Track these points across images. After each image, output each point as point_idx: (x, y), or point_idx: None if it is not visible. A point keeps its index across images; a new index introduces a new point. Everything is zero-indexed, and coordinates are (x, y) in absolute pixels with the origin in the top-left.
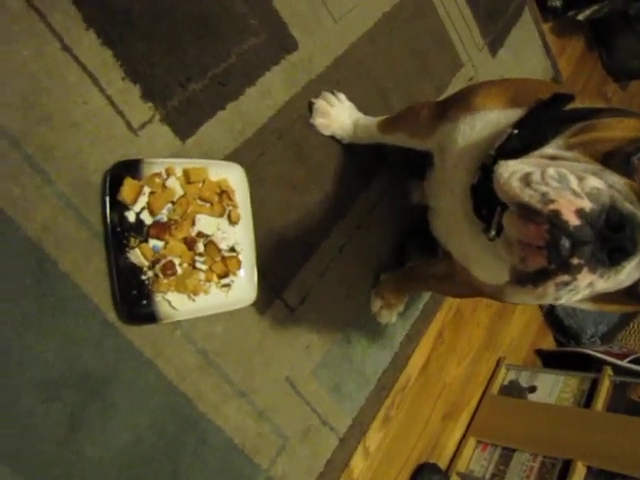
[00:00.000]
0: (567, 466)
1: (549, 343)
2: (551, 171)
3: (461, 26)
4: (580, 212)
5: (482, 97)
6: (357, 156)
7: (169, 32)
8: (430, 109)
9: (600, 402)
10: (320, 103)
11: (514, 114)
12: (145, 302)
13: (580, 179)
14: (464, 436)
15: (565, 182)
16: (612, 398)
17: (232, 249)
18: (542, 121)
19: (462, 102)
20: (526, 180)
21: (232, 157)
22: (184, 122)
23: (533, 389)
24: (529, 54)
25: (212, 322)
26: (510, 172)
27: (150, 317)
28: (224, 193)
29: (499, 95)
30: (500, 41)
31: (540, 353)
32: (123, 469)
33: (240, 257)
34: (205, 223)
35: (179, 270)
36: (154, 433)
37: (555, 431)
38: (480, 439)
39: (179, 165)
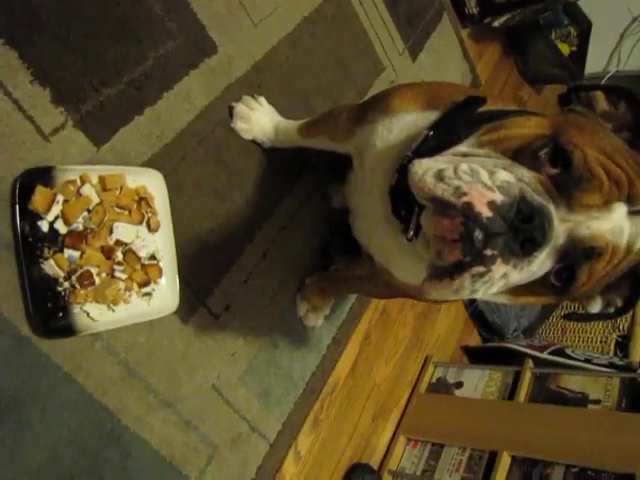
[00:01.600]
0: (493, 457)
1: (475, 339)
2: (463, 166)
3: (382, 30)
4: (492, 204)
5: (399, 100)
6: (279, 160)
7: (82, 34)
8: (349, 112)
9: (522, 394)
10: (240, 107)
11: (430, 116)
12: (61, 314)
13: (491, 173)
14: (394, 435)
15: (477, 176)
16: (534, 389)
17: (152, 257)
18: (456, 122)
19: (380, 105)
20: (439, 176)
21: (150, 163)
22: (99, 128)
23: (460, 385)
24: (448, 58)
25: (134, 332)
26: (424, 169)
27: (67, 330)
28: (142, 200)
29: (415, 98)
30: (420, 46)
31: (466, 349)
32: None
33: (161, 265)
34: (123, 231)
35: (97, 280)
36: (74, 450)
37: (481, 424)
38: (410, 437)
39: (94, 172)
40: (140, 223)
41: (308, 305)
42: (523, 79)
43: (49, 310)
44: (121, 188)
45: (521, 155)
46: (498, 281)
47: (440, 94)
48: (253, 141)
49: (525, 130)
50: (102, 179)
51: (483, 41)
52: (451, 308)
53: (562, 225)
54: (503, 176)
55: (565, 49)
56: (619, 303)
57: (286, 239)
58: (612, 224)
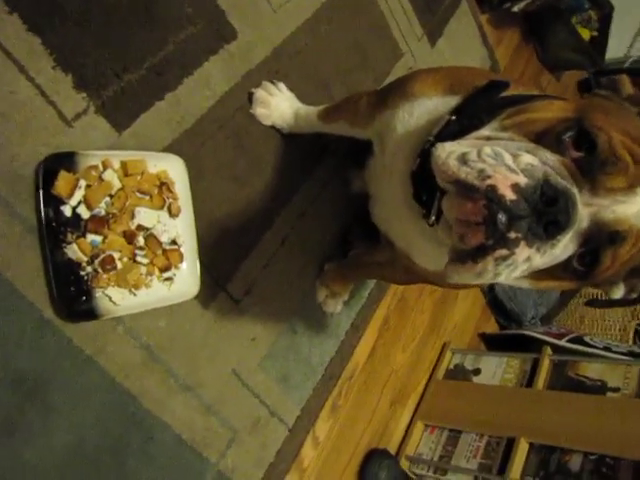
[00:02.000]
0: (511, 443)
1: (492, 326)
2: (487, 149)
3: (400, 16)
4: (515, 187)
5: (420, 84)
6: (298, 146)
7: (103, 20)
8: (369, 98)
9: (541, 381)
10: (260, 93)
11: (451, 101)
12: (84, 298)
13: (515, 156)
14: (412, 420)
15: (501, 159)
16: (552, 376)
17: (173, 242)
18: (478, 107)
19: (400, 90)
20: (463, 159)
21: (171, 148)
22: (120, 113)
23: (477, 372)
24: (467, 44)
25: (155, 316)
26: (447, 152)
27: (90, 313)
28: (164, 185)
29: (437, 83)
30: (439, 31)
31: (483, 336)
32: (66, 471)
33: (182, 250)
34: (145, 216)
35: (119, 265)
36: (98, 432)
37: (499, 411)
38: (428, 423)
39: (116, 157)
40: (161, 208)
41: (327, 291)
42: (542, 65)
43: (72, 294)
44: (142, 173)
45: (545, 139)
46: (521, 264)
47: (461, 79)
48: (272, 127)
49: (549, 114)
50: (124, 164)
51: (502, 26)
52: (469, 295)
53: (586, 209)
54: (527, 159)
55: (585, 34)
56: None
57: (305, 225)
58: (637, 208)
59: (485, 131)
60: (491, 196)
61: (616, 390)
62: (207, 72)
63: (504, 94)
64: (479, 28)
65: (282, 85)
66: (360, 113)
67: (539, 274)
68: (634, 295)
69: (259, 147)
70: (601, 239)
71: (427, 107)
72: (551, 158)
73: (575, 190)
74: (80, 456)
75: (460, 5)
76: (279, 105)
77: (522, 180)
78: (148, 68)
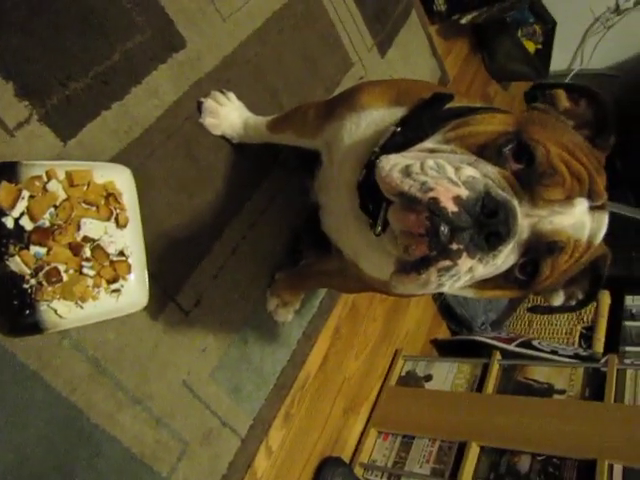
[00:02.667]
0: (462, 447)
1: (444, 332)
2: (430, 162)
3: (350, 26)
4: (457, 199)
5: (367, 96)
6: (248, 156)
7: (47, 26)
8: (317, 108)
9: (490, 385)
10: (209, 102)
11: (398, 113)
12: (28, 312)
13: (457, 169)
14: (365, 428)
15: (443, 172)
16: (501, 381)
17: (121, 253)
18: (423, 119)
19: (348, 101)
20: (406, 171)
21: (118, 159)
22: (65, 122)
23: (429, 378)
24: (417, 55)
25: (103, 329)
26: (391, 165)
27: (34, 327)
28: (111, 196)
29: (383, 94)
30: (389, 42)
31: (435, 342)
32: None
33: (130, 261)
34: (91, 227)
35: (65, 277)
36: (42, 450)
37: (451, 416)
38: (381, 429)
39: (61, 167)
40: (108, 219)
41: (278, 300)
42: (490, 76)
43: (15, 308)
44: (89, 184)
45: (486, 151)
46: (464, 275)
47: (408, 91)
48: (222, 136)
49: (490, 127)
50: (69, 175)
51: (451, 38)
52: (420, 302)
53: (526, 220)
54: (468, 172)
55: (531, 47)
56: (580, 296)
57: (256, 234)
58: (574, 219)
59: (429, 143)
60: (433, 208)
61: (562, 392)
62: (155, 81)
63: (449, 106)
64: (428, 39)
65: (231, 95)
66: (308, 124)
67: (483, 283)
68: (572, 302)
69: (209, 157)
70: (540, 249)
71: (374, 118)
72: (492, 170)
73: (515, 202)
74: (23, 475)
75: (410, 16)
76: (228, 115)
77: (464, 192)
78: (94, 77)
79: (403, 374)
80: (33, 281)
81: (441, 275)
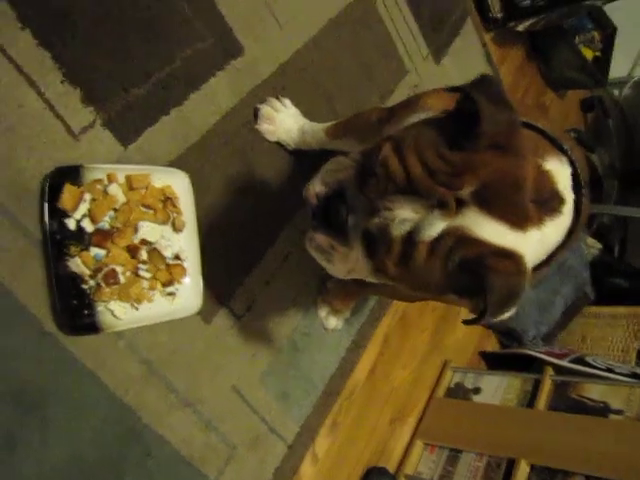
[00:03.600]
0: (511, 464)
1: (493, 345)
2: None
3: (406, 34)
4: (317, 196)
5: (432, 99)
6: (303, 162)
7: (112, 35)
8: (380, 112)
9: (542, 401)
10: (265, 109)
11: None
12: (87, 312)
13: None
14: (411, 439)
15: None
16: (554, 397)
17: (177, 257)
18: None
19: (412, 103)
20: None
21: (176, 163)
22: (126, 127)
23: (478, 390)
24: (472, 62)
25: (156, 331)
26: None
27: (92, 327)
28: (168, 200)
29: (449, 98)
30: (444, 50)
31: (484, 355)
32: None
33: (185, 265)
34: (148, 230)
35: (122, 279)
36: (96, 447)
37: (500, 431)
38: (427, 441)
39: (121, 171)
40: (165, 223)
41: (329, 308)
42: (546, 84)
43: (74, 307)
44: (147, 187)
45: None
46: (329, 250)
47: None
48: (278, 143)
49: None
50: (129, 178)
51: (506, 45)
52: (470, 313)
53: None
54: (337, 176)
55: (589, 54)
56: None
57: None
58: (398, 217)
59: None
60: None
61: (619, 412)
62: (213, 88)
63: None
64: (483, 46)
65: (287, 101)
66: (369, 129)
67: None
68: (474, 315)
69: (264, 163)
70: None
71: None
72: (349, 176)
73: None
74: (78, 470)
75: (465, 24)
76: (284, 121)
77: (322, 190)
78: (155, 83)
79: (451, 386)
80: (92, 282)
81: (311, 244)
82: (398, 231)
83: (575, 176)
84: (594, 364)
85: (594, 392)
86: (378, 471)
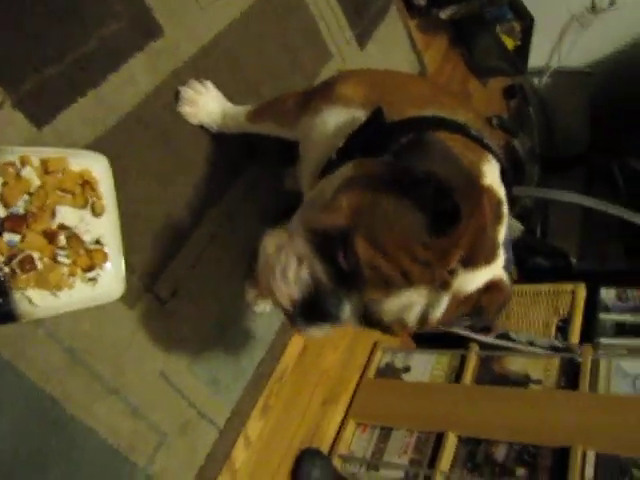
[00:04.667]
0: (440, 438)
1: None
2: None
3: (330, 19)
4: (291, 298)
5: (340, 89)
6: (227, 145)
7: (22, 10)
8: (296, 97)
9: (468, 376)
10: (187, 91)
11: (362, 117)
12: (1, 300)
13: (299, 265)
14: (344, 419)
15: (287, 272)
16: (479, 371)
17: (97, 241)
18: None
19: (322, 93)
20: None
21: (94, 146)
22: (40, 108)
23: (407, 369)
24: (396, 48)
25: (78, 318)
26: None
27: (8, 316)
28: (87, 184)
29: (356, 88)
30: (368, 35)
31: (414, 335)
32: None
33: (106, 249)
34: (67, 215)
35: (39, 265)
36: (15, 441)
37: (429, 407)
38: (360, 421)
39: (35, 154)
40: (84, 207)
41: (257, 291)
42: (470, 71)
43: None
44: (64, 171)
45: (325, 241)
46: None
47: (382, 89)
48: (201, 126)
49: (329, 214)
50: (44, 161)
51: (431, 32)
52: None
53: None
54: (304, 272)
55: (510, 43)
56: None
57: (235, 224)
58: (396, 306)
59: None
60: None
61: (538, 382)
62: (132, 69)
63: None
64: (408, 33)
65: (209, 84)
66: (287, 113)
67: None
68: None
69: (187, 146)
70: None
71: (341, 117)
72: (321, 270)
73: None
74: None
75: (389, 10)
76: (206, 104)
77: (296, 294)
78: (70, 63)
79: (382, 366)
80: (6, 269)
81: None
82: (413, 317)
83: (501, 170)
84: (517, 338)
85: (516, 365)
86: (312, 453)
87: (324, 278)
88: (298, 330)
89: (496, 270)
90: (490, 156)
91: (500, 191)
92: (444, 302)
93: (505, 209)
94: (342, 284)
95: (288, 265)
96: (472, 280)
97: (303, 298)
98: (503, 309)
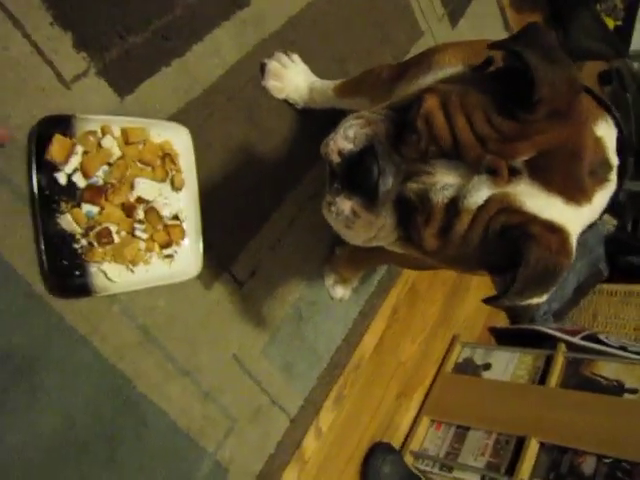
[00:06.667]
0: (521, 442)
1: (503, 321)
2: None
3: None
4: (341, 152)
5: (440, 55)
6: (312, 121)
7: None
8: (391, 69)
9: (554, 379)
10: (273, 64)
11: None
12: (78, 273)
13: (361, 126)
14: (418, 415)
15: (344, 131)
16: (566, 374)
17: (175, 217)
18: None
19: (421, 61)
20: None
21: (176, 118)
22: (123, 77)
23: (488, 367)
24: (488, 27)
25: (153, 296)
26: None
27: (83, 289)
28: (167, 156)
29: (457, 54)
30: (460, 12)
31: (494, 331)
32: (54, 455)
33: (184, 226)
34: (145, 188)
35: (116, 238)
36: (88, 416)
37: (509, 408)
38: (434, 418)
39: (117, 123)
40: (163, 180)
41: (336, 276)
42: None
43: (65, 268)
44: (144, 142)
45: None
46: (353, 218)
47: (482, 55)
48: (285, 101)
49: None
50: (125, 131)
51: (525, 11)
52: (480, 287)
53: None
54: (363, 130)
55: (610, 23)
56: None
57: (316, 206)
58: (435, 179)
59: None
60: (325, 159)
61: (634, 392)
62: (218, 39)
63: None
64: (501, 11)
65: (296, 57)
66: (380, 86)
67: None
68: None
69: (270, 121)
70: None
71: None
72: (381, 130)
73: (384, 159)
74: (69, 440)
75: None
76: (293, 78)
77: (347, 147)
78: (154, 31)
79: (460, 361)
80: (84, 241)
81: (330, 208)
82: (440, 198)
83: (620, 138)
84: (607, 342)
85: (608, 370)
86: (383, 447)
87: (382, 136)
88: (329, 200)
89: (573, 222)
90: (611, 120)
91: (612, 153)
92: (484, 192)
93: (612, 175)
94: (396, 150)
95: (354, 124)
96: (532, 197)
97: (351, 156)
98: (544, 280)
